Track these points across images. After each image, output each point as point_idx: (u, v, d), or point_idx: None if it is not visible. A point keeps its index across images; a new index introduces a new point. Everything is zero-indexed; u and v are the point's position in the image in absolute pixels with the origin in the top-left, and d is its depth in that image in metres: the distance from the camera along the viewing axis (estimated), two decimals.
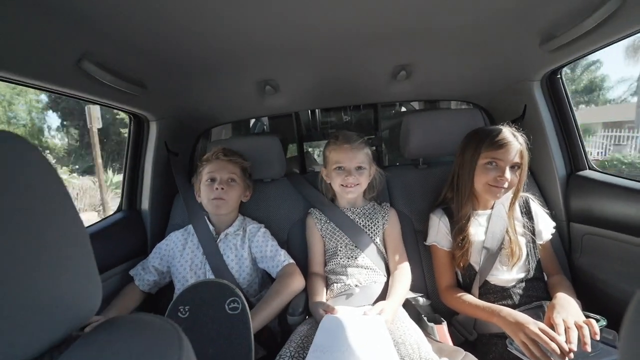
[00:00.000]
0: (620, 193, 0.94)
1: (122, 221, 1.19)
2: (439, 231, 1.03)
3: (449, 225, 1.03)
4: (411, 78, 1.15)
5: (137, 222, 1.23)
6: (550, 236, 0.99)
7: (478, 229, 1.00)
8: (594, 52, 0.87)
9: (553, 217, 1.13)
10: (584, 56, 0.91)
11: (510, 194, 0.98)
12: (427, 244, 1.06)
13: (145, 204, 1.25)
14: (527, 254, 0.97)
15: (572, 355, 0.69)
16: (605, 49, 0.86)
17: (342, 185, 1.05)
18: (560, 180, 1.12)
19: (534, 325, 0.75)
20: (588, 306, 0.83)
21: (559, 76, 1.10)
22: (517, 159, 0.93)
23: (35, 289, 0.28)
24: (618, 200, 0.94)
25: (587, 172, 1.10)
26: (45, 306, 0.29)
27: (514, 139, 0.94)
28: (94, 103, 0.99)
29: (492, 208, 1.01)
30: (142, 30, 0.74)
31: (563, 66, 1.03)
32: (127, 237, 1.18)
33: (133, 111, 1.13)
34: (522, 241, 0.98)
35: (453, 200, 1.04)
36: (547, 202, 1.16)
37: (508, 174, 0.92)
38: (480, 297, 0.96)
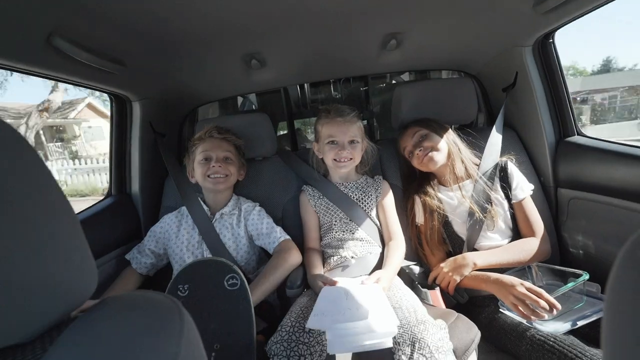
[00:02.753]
0: (607, 157, 0.96)
1: (113, 206, 1.17)
2: (419, 211, 1.07)
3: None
4: (401, 47, 1.11)
5: (128, 206, 1.21)
6: (524, 196, 1.01)
7: (449, 203, 1.05)
8: (588, 13, 0.85)
9: (542, 183, 1.16)
10: (577, 18, 0.89)
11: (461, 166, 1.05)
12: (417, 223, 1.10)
13: (135, 188, 1.22)
14: (512, 219, 1.01)
15: (559, 307, 0.73)
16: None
17: (335, 159, 1.04)
18: (550, 147, 1.14)
19: (521, 286, 0.79)
20: (574, 266, 0.87)
21: (551, 41, 1.08)
22: (423, 131, 1.08)
23: (27, 271, 0.27)
24: (605, 164, 0.96)
25: (576, 138, 1.12)
26: (39, 288, 0.28)
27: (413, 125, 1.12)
28: (70, 83, 0.93)
29: (458, 183, 1.05)
30: (117, 3, 0.68)
31: (556, 30, 1.01)
32: (119, 222, 1.16)
33: (113, 91, 1.08)
34: (502, 205, 1.01)
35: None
36: (535, 169, 1.18)
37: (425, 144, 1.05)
38: None
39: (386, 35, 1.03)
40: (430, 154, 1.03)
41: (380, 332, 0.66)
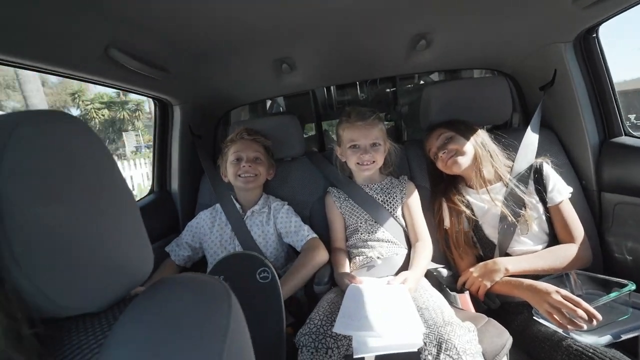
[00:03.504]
0: None
1: (155, 202, 1.27)
2: (446, 215, 1.05)
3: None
4: (431, 47, 1.10)
5: (168, 203, 1.31)
6: (562, 199, 0.95)
7: (479, 206, 1.02)
8: (635, 4, 0.80)
9: (583, 187, 1.10)
10: (623, 10, 0.84)
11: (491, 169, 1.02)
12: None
13: (174, 185, 1.31)
14: (548, 223, 0.96)
15: (599, 317, 0.69)
16: None
17: (358, 163, 1.05)
18: (592, 148, 1.07)
19: (556, 293, 0.76)
20: (619, 276, 0.81)
21: (594, 35, 1.02)
22: (448, 134, 1.06)
23: (101, 252, 0.32)
24: None
25: (623, 139, 1.04)
26: (110, 266, 0.33)
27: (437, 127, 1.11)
28: (121, 89, 1.03)
29: (486, 186, 1.01)
30: (162, 16, 0.75)
31: (599, 24, 0.96)
32: (160, 217, 1.26)
33: (157, 96, 1.17)
34: (537, 209, 0.97)
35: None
36: (576, 172, 1.11)
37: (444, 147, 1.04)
38: None
39: (415, 36, 1.03)
40: (454, 157, 1.01)
41: (405, 342, 0.66)
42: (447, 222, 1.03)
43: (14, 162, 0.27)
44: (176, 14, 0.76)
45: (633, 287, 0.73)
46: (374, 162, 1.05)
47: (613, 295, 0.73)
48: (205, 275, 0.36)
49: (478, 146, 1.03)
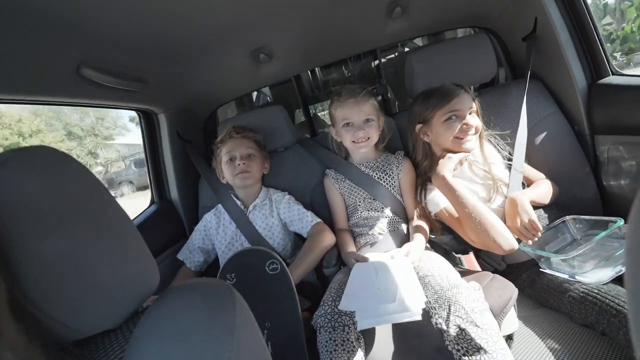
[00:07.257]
0: None
1: (157, 212, 1.29)
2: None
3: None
4: (408, 13, 1.07)
5: (170, 211, 1.33)
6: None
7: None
8: None
9: (576, 132, 1.10)
10: None
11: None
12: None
13: (174, 193, 1.33)
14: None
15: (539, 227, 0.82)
16: None
17: (353, 141, 1.05)
18: (581, 93, 1.06)
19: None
20: (620, 214, 0.80)
21: None
22: (473, 105, 0.96)
23: (110, 272, 0.34)
24: None
25: (610, 78, 1.03)
26: (120, 284, 0.35)
27: (459, 87, 0.98)
28: (100, 107, 1.02)
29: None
30: (132, 26, 0.74)
31: None
32: (165, 226, 1.28)
33: (139, 107, 1.16)
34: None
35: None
36: (567, 118, 1.11)
37: (470, 120, 0.94)
38: None
39: (390, 3, 1.00)
40: (474, 135, 0.95)
41: (406, 313, 0.69)
42: (444, 202, 0.99)
43: (3, 202, 0.28)
44: (144, 21, 0.74)
45: (621, 222, 0.75)
46: (368, 138, 1.05)
47: (603, 233, 0.75)
48: (208, 278, 0.38)
49: (481, 121, 0.99)
